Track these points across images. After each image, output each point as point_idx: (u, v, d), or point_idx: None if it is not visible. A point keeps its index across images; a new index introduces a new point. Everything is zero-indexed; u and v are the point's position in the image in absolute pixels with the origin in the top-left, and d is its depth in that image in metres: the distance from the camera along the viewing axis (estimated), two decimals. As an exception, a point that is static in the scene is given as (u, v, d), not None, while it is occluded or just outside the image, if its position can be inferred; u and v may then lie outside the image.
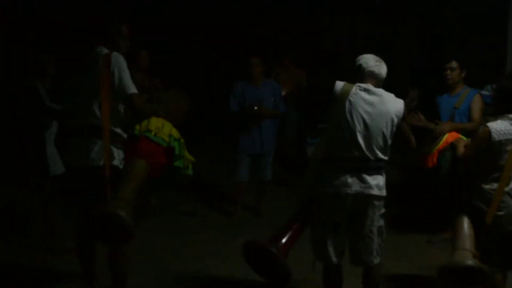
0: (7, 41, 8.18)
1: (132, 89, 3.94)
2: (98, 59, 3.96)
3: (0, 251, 5.49)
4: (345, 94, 3.78)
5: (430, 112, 5.96)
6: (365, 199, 3.80)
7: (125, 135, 4.14)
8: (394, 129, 3.85)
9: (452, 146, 4.73)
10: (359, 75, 3.91)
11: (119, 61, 3.94)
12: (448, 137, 5.33)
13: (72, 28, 7.77)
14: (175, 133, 4.44)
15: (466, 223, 4.20)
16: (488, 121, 5.74)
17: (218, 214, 7.04)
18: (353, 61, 4.02)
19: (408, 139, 4.03)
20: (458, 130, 5.44)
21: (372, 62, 3.92)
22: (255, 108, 6.46)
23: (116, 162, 4.00)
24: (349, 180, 3.75)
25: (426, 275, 5.13)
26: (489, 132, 4.01)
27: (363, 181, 3.76)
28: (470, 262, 3.99)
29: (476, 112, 5.72)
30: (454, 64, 5.78)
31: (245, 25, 9.80)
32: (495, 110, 4.61)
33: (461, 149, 4.48)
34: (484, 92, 5.95)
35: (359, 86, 3.84)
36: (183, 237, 6.04)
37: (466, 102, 5.77)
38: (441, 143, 5.33)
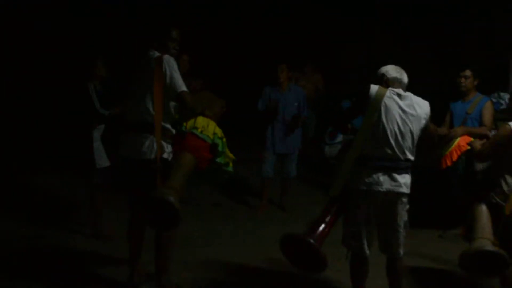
0: (62, 45, 8.27)
1: (183, 87, 4.01)
2: (151, 61, 4.04)
3: (49, 235, 5.55)
4: (379, 97, 3.80)
5: (443, 118, 6.01)
6: (395, 197, 3.82)
7: (173, 131, 4.21)
8: (422, 131, 3.89)
9: (468, 146, 4.76)
10: (384, 83, 3.93)
11: (170, 62, 4.02)
12: (460, 140, 5.35)
13: (124, 32, 7.89)
14: (219, 132, 4.48)
15: (485, 214, 4.18)
16: (498, 126, 5.81)
17: (246, 207, 7.10)
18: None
19: (434, 137, 4.10)
20: (470, 134, 5.49)
21: (393, 71, 3.97)
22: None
23: (165, 155, 4.08)
24: (381, 178, 3.77)
25: (437, 268, 5.18)
26: (510, 130, 4.03)
27: (394, 179, 3.78)
28: (490, 247, 3.95)
29: (487, 117, 5.72)
30: (468, 72, 5.80)
31: (273, 35, 9.85)
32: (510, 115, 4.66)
33: (477, 146, 4.52)
34: (492, 99, 6.00)
35: (392, 90, 3.86)
36: (213, 227, 6.10)
37: (478, 108, 5.78)
38: (453, 145, 5.35)
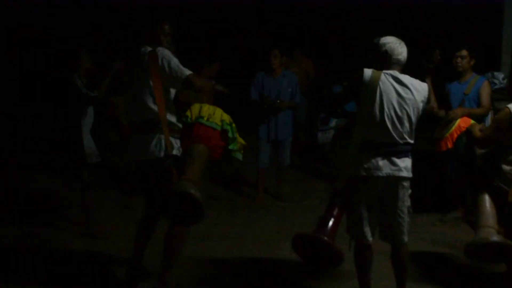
0: (47, 37, 8.12)
1: (186, 71, 3.84)
2: (145, 57, 3.88)
3: (41, 234, 5.42)
4: (375, 81, 3.66)
5: (440, 99, 5.90)
6: (395, 181, 3.72)
7: (180, 125, 4.07)
8: (420, 113, 3.77)
9: (467, 131, 4.66)
10: (386, 62, 3.75)
11: (165, 53, 3.85)
12: (460, 122, 5.27)
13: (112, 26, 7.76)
14: (227, 118, 4.32)
15: (487, 201, 4.13)
16: (495, 106, 5.73)
17: (243, 198, 6.99)
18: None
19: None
20: (469, 115, 5.40)
21: (398, 50, 3.75)
22: (278, 101, 6.50)
23: (174, 152, 3.92)
24: (380, 163, 3.67)
25: (439, 251, 5.15)
26: (509, 113, 3.92)
27: (393, 163, 3.68)
28: (495, 238, 3.92)
29: (485, 98, 5.64)
30: (464, 52, 5.68)
31: (265, 19, 9.72)
32: (509, 95, 4.56)
33: (477, 132, 4.41)
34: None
35: (386, 73, 3.71)
36: (211, 220, 5.86)
37: (475, 89, 5.68)
38: (453, 128, 5.26)
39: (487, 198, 4.16)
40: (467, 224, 5.70)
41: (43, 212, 6.04)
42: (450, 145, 5.24)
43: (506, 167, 4.06)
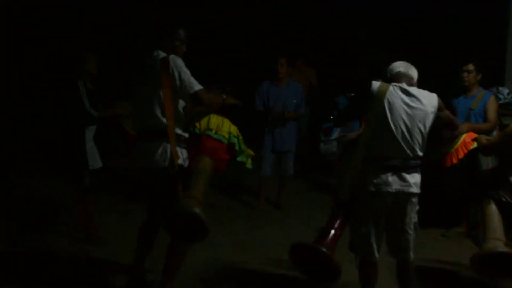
0: (54, 39, 8.05)
1: (196, 86, 3.75)
2: (156, 63, 3.79)
3: (40, 240, 5.36)
4: (382, 93, 3.62)
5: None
6: (405, 197, 3.68)
7: (186, 135, 4.01)
8: (431, 126, 3.72)
9: (475, 146, 4.63)
10: (389, 80, 3.76)
11: (177, 62, 3.76)
12: (466, 137, 5.23)
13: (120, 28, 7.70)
14: (234, 130, 4.32)
15: (495, 214, 4.14)
16: (501, 121, 5.70)
17: (242, 207, 6.96)
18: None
19: (451, 120, 3.94)
20: (475, 130, 5.36)
21: (397, 66, 3.79)
22: (286, 112, 6.50)
23: (180, 161, 3.88)
24: (390, 178, 3.62)
25: (442, 267, 5.08)
26: None
27: (403, 179, 3.64)
28: (502, 249, 3.92)
29: (492, 113, 5.60)
30: (471, 66, 5.66)
31: (268, 27, 9.68)
32: None
33: (483, 140, 4.40)
34: None
35: (395, 85, 3.68)
36: (210, 228, 5.89)
37: (482, 103, 5.66)
38: (459, 143, 5.22)
39: (495, 211, 4.16)
40: (470, 239, 5.69)
41: (43, 217, 5.99)
42: (455, 160, 5.20)
43: None
